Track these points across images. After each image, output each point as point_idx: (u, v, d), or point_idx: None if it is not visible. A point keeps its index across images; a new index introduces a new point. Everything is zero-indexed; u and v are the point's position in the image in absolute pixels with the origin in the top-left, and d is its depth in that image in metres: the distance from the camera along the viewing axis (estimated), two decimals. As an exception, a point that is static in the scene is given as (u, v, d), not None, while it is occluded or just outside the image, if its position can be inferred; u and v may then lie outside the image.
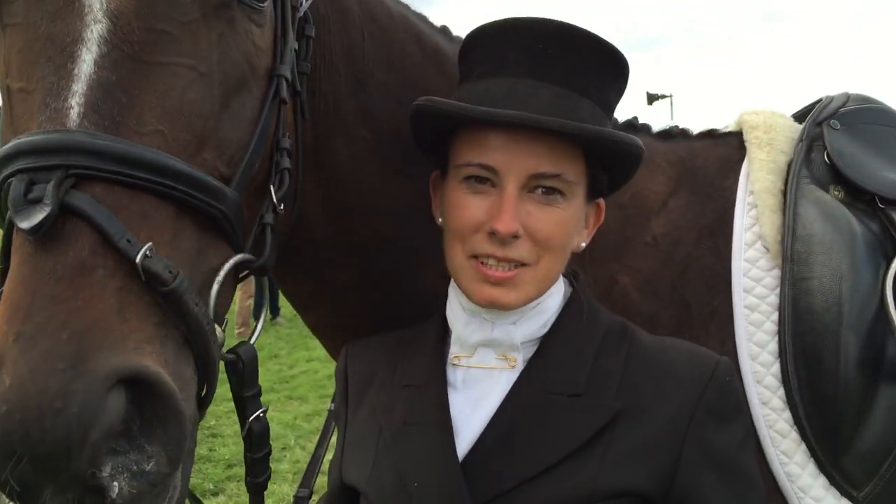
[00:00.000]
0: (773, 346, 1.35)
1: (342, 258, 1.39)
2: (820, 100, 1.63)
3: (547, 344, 1.12)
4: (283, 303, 11.48)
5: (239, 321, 11.41)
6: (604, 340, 1.13)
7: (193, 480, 5.38)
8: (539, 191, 1.07)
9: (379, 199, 1.37)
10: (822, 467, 1.32)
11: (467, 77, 1.17)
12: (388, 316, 1.39)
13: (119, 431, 0.76)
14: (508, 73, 1.10)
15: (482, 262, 1.07)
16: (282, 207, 1.08)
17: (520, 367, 1.11)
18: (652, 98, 22.43)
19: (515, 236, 1.04)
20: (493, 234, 1.05)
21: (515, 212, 1.04)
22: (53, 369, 0.72)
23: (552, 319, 1.15)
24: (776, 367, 1.34)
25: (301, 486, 1.54)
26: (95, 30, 0.87)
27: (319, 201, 1.33)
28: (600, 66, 1.12)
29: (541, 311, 1.13)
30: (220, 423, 6.76)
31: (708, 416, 1.04)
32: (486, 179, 1.08)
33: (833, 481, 1.32)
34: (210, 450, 6.03)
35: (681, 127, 1.72)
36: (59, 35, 0.87)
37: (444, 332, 1.21)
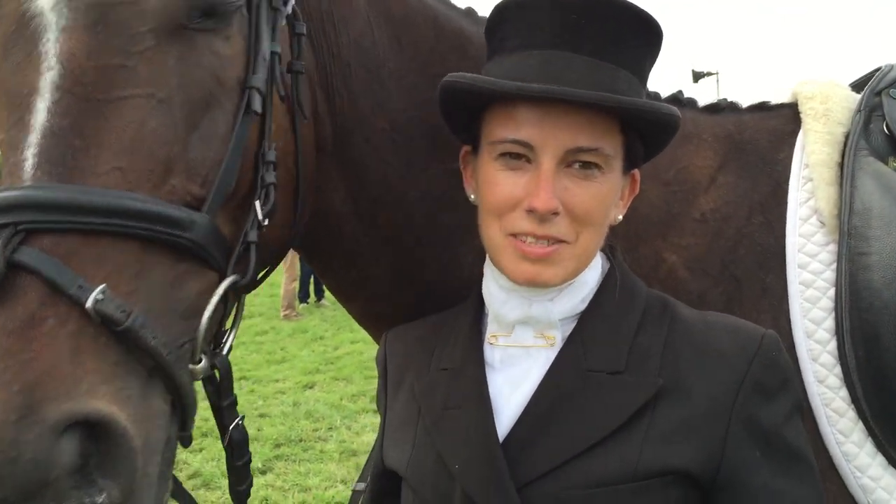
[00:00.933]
0: (830, 322, 1.31)
1: (376, 250, 1.39)
2: (879, 68, 1.57)
3: (585, 320, 1.11)
4: (327, 286, 11.61)
5: (284, 304, 11.62)
6: (644, 316, 1.11)
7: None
8: (576, 165, 1.04)
9: (406, 190, 1.36)
10: (880, 446, 1.28)
11: (498, 51, 1.13)
12: (426, 304, 1.39)
13: (77, 468, 0.80)
14: (541, 45, 1.06)
15: (521, 240, 1.05)
16: (267, 222, 1.05)
17: (558, 344, 1.10)
18: (698, 76, 21.94)
19: (554, 213, 1.02)
20: (531, 212, 1.03)
21: (553, 188, 1.02)
22: (6, 421, 0.76)
23: (590, 295, 1.12)
24: (832, 345, 1.30)
25: (359, 479, 1.56)
26: (48, 77, 0.88)
27: (346, 197, 1.33)
28: (634, 34, 1.08)
29: (579, 286, 1.11)
30: (268, 404, 6.91)
31: (754, 392, 1.02)
32: (520, 155, 1.05)
33: (891, 461, 1.28)
34: (258, 429, 6.16)
35: (729, 100, 1.67)
36: (19, 86, 0.89)
37: (479, 312, 1.20)
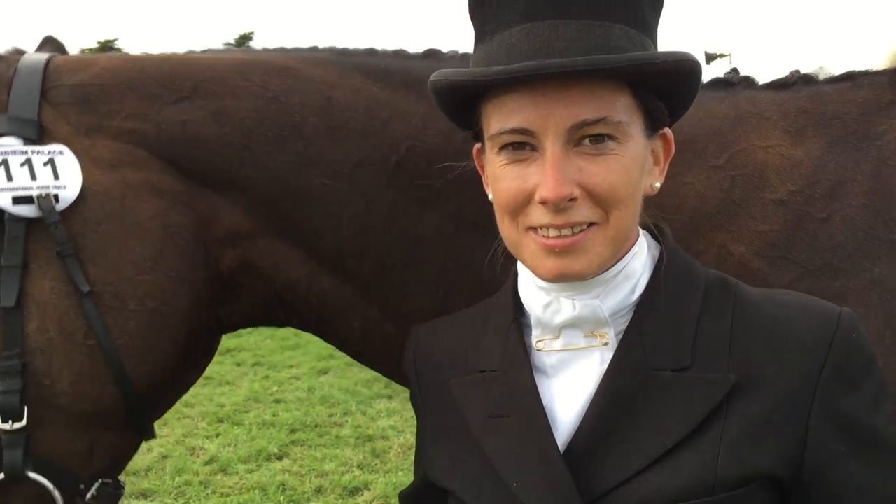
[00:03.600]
0: None
1: (363, 298, 1.42)
2: None
3: (641, 313, 0.99)
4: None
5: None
6: (704, 301, 0.99)
7: (258, 444, 5.46)
8: (587, 141, 0.92)
9: (365, 234, 1.38)
10: None
11: (479, 38, 1.02)
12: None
13: None
14: (522, 18, 0.94)
15: (541, 233, 0.94)
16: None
17: (613, 343, 0.99)
18: (710, 58, 21.69)
19: (571, 199, 0.91)
20: (544, 203, 0.92)
21: (563, 172, 0.90)
22: None
23: (641, 284, 1.01)
24: None
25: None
26: None
27: (305, 258, 1.37)
28: None
29: (626, 276, 1.00)
30: (283, 389, 6.88)
31: (835, 380, 0.92)
32: (524, 144, 0.94)
33: None
34: (273, 415, 6.13)
35: (803, 72, 1.55)
36: None
37: (516, 311, 1.08)
